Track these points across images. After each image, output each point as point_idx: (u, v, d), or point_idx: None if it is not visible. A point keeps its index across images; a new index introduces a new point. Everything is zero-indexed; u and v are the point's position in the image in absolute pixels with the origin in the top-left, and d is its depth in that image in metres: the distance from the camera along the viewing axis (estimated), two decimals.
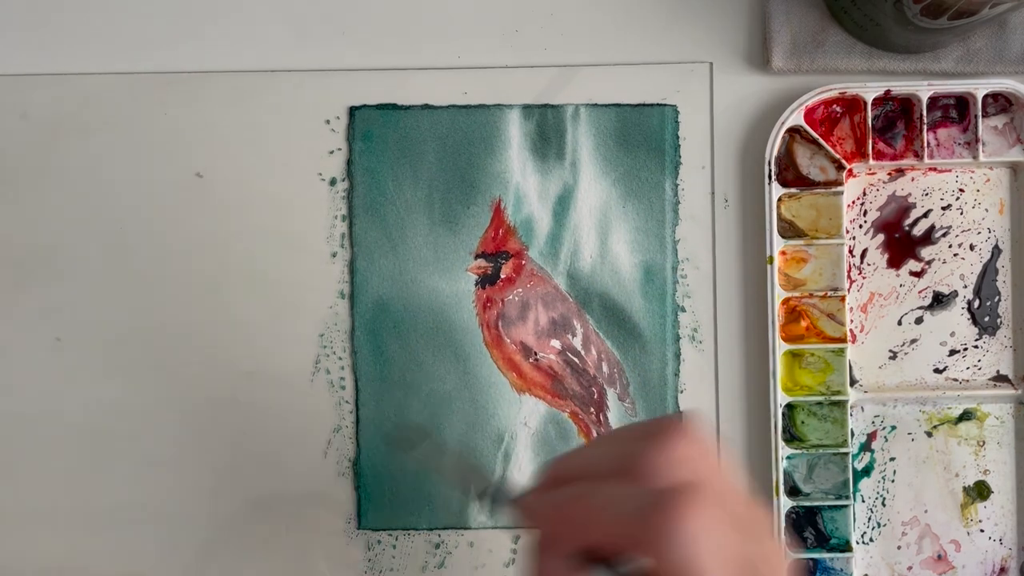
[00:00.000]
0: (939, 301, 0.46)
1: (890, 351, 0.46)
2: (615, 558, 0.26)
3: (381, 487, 0.46)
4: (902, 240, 0.46)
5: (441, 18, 0.46)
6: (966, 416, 0.46)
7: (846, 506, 0.45)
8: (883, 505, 0.46)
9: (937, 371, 0.46)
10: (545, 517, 0.27)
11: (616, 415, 0.46)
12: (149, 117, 0.46)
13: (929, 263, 0.46)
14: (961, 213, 0.46)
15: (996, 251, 0.46)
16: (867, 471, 0.46)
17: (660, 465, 0.25)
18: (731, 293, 0.46)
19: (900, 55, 0.45)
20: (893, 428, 0.46)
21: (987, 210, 0.46)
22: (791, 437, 0.45)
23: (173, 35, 0.46)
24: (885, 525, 0.46)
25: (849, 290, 0.46)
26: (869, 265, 0.46)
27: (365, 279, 0.46)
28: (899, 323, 0.46)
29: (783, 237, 0.45)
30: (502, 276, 0.45)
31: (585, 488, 0.26)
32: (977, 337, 0.46)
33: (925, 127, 0.44)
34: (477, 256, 0.46)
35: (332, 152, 0.46)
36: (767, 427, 0.45)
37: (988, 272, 0.46)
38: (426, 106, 0.46)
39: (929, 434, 0.46)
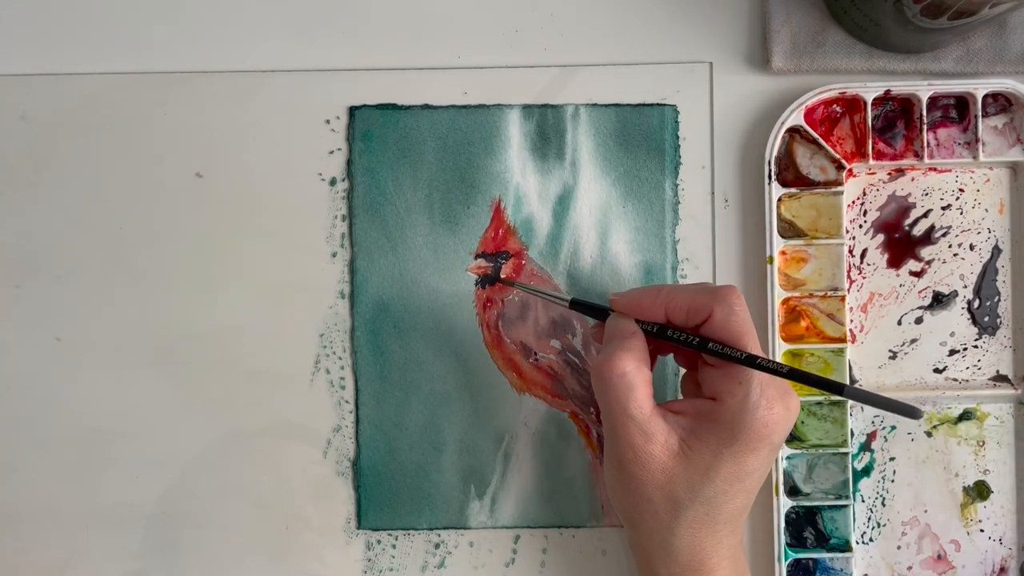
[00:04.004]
0: (939, 301, 0.46)
1: (890, 351, 0.46)
2: (682, 327, 0.38)
3: (381, 487, 0.46)
4: (902, 240, 0.46)
5: (441, 18, 0.46)
6: (966, 416, 0.46)
7: (846, 506, 0.45)
8: (883, 505, 0.46)
9: (937, 371, 0.46)
10: (632, 300, 0.39)
11: None
12: (149, 117, 0.46)
13: (929, 263, 0.46)
14: (961, 213, 0.46)
15: (996, 251, 0.46)
16: (867, 471, 0.46)
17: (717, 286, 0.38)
18: None
19: (900, 55, 0.45)
20: (893, 428, 0.46)
21: (987, 210, 0.46)
22: (791, 437, 0.45)
23: (173, 35, 0.46)
24: (885, 525, 0.46)
25: (849, 290, 0.46)
26: (869, 265, 0.46)
27: (365, 279, 0.46)
28: (899, 323, 0.46)
29: (783, 237, 0.45)
30: (502, 276, 0.45)
31: (664, 285, 0.41)
32: (977, 337, 0.46)
33: (925, 127, 0.44)
34: (477, 256, 0.46)
35: (332, 152, 0.46)
36: None
37: (988, 272, 0.46)
38: (426, 106, 0.46)
39: (929, 434, 0.46)
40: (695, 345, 0.37)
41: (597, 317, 0.40)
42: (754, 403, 0.36)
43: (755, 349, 0.37)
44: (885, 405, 0.35)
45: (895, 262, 0.46)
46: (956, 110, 0.45)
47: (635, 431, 0.37)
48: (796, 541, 0.45)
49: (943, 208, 0.46)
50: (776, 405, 0.36)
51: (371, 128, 0.46)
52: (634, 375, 0.37)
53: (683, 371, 0.41)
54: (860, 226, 0.46)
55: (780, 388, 0.37)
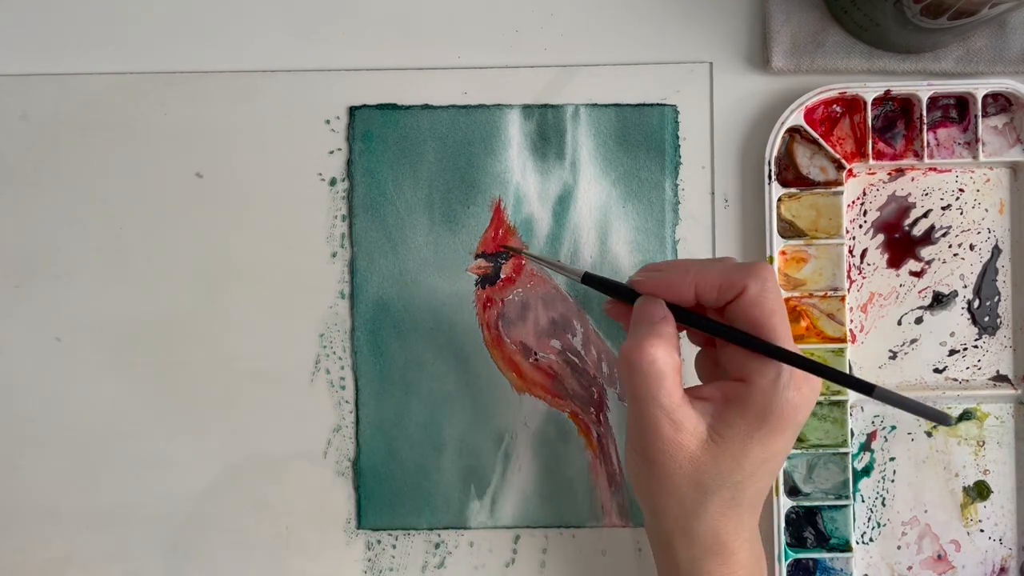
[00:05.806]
0: (939, 301, 0.46)
1: (890, 351, 0.46)
2: (707, 306, 0.37)
3: (381, 487, 0.46)
4: (902, 240, 0.46)
5: (441, 18, 0.46)
6: (966, 416, 0.46)
7: (846, 506, 0.45)
8: (883, 505, 0.46)
9: (937, 371, 0.46)
10: (660, 281, 0.37)
11: (616, 415, 0.46)
12: (149, 117, 0.46)
13: (929, 263, 0.46)
14: (961, 213, 0.46)
15: (996, 251, 0.46)
16: (867, 471, 0.46)
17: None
18: None
19: (900, 55, 0.45)
20: (893, 428, 0.46)
21: (987, 210, 0.46)
22: None
23: (173, 35, 0.46)
24: (885, 525, 0.46)
25: (849, 290, 0.46)
26: (869, 265, 0.46)
27: (365, 279, 0.46)
28: (899, 323, 0.46)
29: (783, 237, 0.45)
30: (502, 276, 0.46)
31: (689, 261, 0.38)
32: (977, 337, 0.46)
33: (925, 127, 0.44)
34: (477, 256, 0.46)
35: (332, 152, 0.46)
36: None
37: (988, 272, 0.46)
38: (426, 106, 0.46)
39: (929, 434, 0.46)
40: (726, 333, 0.36)
41: (610, 294, 0.39)
42: (784, 384, 0.35)
43: (785, 327, 0.36)
44: (915, 409, 0.34)
45: (895, 262, 0.46)
46: (956, 110, 0.45)
47: (664, 421, 0.36)
48: (796, 541, 0.45)
49: (943, 208, 0.46)
50: (803, 385, 0.36)
51: (371, 128, 0.46)
52: (664, 361, 0.36)
53: (697, 349, 0.40)
54: (860, 226, 0.46)
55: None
